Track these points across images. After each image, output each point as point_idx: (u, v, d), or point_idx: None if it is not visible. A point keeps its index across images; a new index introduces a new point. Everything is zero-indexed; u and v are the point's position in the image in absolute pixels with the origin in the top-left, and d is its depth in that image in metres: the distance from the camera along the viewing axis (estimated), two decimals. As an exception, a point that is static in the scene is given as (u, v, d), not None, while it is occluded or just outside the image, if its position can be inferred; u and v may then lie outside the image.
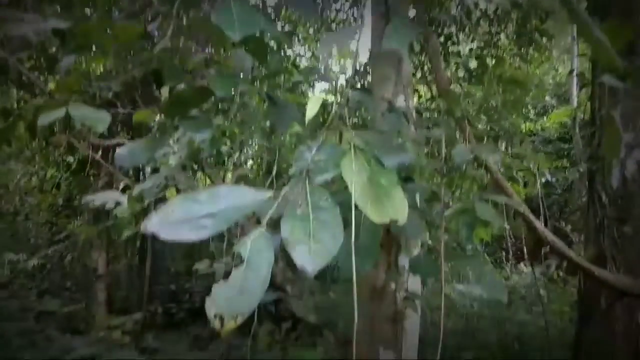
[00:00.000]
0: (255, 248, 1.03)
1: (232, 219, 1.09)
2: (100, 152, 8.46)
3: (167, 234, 1.04)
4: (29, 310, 6.49)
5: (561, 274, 8.61)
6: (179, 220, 1.05)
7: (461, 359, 5.34)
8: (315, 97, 1.30)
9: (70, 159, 9.83)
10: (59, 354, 3.80)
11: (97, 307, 8.42)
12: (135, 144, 1.45)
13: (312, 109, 1.28)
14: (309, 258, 0.99)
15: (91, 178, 9.35)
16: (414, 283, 3.33)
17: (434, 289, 8.19)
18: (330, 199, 1.12)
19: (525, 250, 13.43)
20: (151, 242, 10.14)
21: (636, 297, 2.40)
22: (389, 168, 1.18)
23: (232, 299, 0.95)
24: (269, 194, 1.13)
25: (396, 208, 1.14)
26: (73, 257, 9.21)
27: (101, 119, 1.37)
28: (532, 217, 2.04)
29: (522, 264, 10.04)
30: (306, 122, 1.24)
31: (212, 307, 0.94)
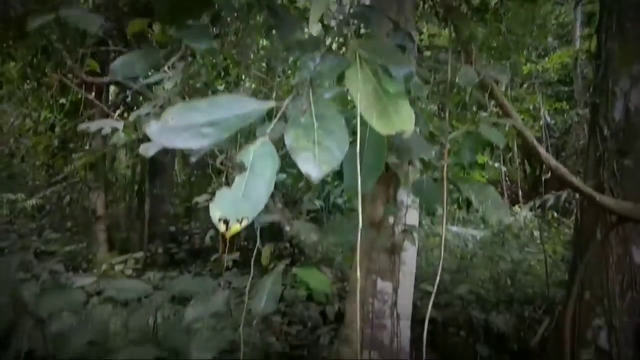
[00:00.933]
0: (259, 154, 1.01)
1: (233, 128, 1.06)
2: (93, 94, 8.31)
3: (167, 141, 1.01)
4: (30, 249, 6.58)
5: (556, 215, 8.73)
6: (179, 127, 1.02)
7: (455, 292, 5.49)
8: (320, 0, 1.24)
9: (63, 100, 9.68)
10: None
11: (97, 247, 8.55)
12: (130, 55, 1.40)
13: (316, 13, 1.22)
14: (314, 164, 0.97)
15: (86, 120, 9.23)
16: (412, 217, 3.36)
17: (430, 232, 8.31)
18: (334, 108, 1.08)
19: (520, 193, 13.57)
20: (149, 185, 10.18)
21: (636, 221, 2.43)
22: (396, 78, 1.14)
23: (236, 203, 0.93)
24: (271, 103, 1.10)
25: (403, 119, 1.11)
26: (72, 199, 9.24)
27: (93, 21, 1.31)
28: (535, 142, 2.02)
29: (517, 207, 10.16)
30: (310, 26, 1.19)
31: (216, 211, 0.93)
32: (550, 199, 6.86)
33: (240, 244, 7.32)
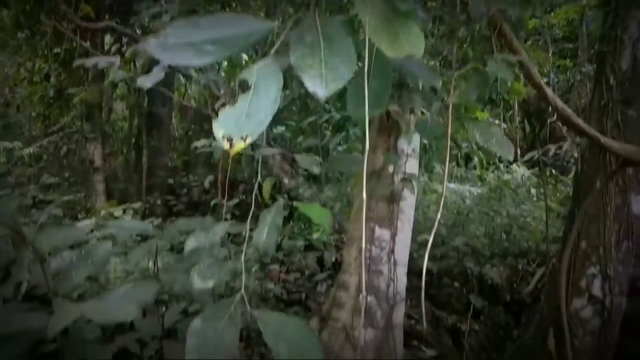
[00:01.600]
0: (263, 74, 0.97)
1: (236, 47, 1.02)
2: (88, 42, 8.10)
3: (168, 58, 0.98)
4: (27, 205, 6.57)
5: (554, 172, 8.74)
6: (180, 44, 0.98)
7: (451, 244, 5.56)
8: None
9: (58, 49, 9.47)
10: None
11: (95, 197, 8.56)
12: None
13: None
14: (321, 83, 0.94)
15: (81, 70, 9.05)
16: (411, 166, 3.35)
17: (427, 188, 8.33)
18: (342, 28, 1.04)
19: (518, 152, 13.59)
20: (146, 137, 10.10)
21: (639, 165, 2.42)
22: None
23: (240, 121, 0.91)
24: (276, 22, 1.05)
25: (412, 42, 1.07)
26: (69, 149, 9.18)
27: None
28: (542, 82, 1.98)
29: (514, 165, 10.17)
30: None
31: (219, 129, 0.90)
32: (551, 149, 6.83)
33: (239, 197, 7.35)
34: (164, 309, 2.73)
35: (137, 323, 2.55)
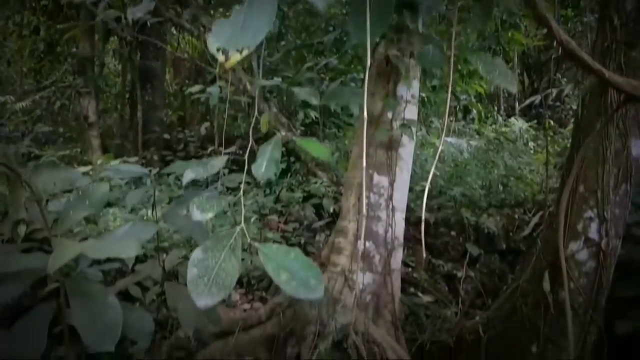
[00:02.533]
0: (259, -15, 0.92)
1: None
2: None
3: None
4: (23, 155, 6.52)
5: (552, 123, 8.70)
6: None
7: (449, 194, 5.58)
8: None
9: (46, 1, 9.19)
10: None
11: (91, 153, 8.50)
12: None
13: None
14: (320, -6, 0.89)
15: (71, 21, 8.79)
16: (410, 112, 3.31)
17: (425, 141, 8.29)
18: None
19: (517, 105, 13.45)
20: (141, 91, 9.94)
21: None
22: None
23: (235, 33, 0.86)
24: None
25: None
26: (62, 104, 9.05)
27: None
28: (547, 14, 1.91)
29: (512, 118, 10.12)
30: None
31: (214, 42, 0.86)
32: (553, 92, 6.76)
33: (236, 152, 7.30)
34: (164, 255, 2.75)
35: (138, 268, 2.57)
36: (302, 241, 4.37)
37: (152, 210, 2.21)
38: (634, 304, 4.20)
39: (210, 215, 1.30)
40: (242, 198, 1.34)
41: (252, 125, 1.53)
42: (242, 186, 1.30)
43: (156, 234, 2.24)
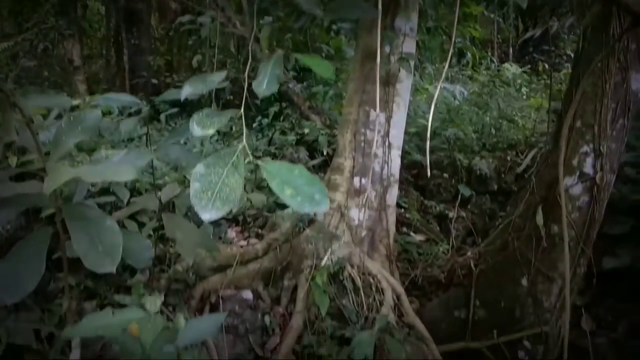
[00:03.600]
0: None
1: None
2: None
3: None
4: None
5: (547, 66, 8.60)
6: None
7: (442, 135, 5.57)
8: None
9: None
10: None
11: (78, 98, 8.31)
12: None
13: None
14: None
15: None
16: (409, 45, 3.23)
17: (419, 86, 8.18)
18: None
19: (510, 51, 13.25)
20: (126, 34, 9.61)
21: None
22: None
23: None
24: None
25: None
26: (46, 47, 8.72)
27: None
28: None
29: (506, 64, 9.99)
30: None
31: None
32: (554, 26, 6.65)
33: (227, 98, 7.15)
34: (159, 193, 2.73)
35: (134, 200, 2.55)
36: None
37: (146, 140, 2.16)
38: (621, 241, 4.31)
39: (211, 131, 1.26)
40: (242, 113, 1.30)
41: (250, 51, 1.46)
42: (243, 104, 1.25)
43: (151, 165, 2.20)
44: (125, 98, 2.12)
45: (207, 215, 1.16)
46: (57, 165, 1.60)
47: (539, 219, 3.07)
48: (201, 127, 1.28)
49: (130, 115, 4.70)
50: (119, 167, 1.65)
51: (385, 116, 3.16)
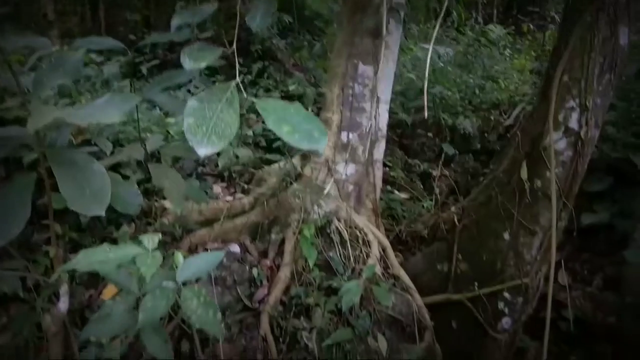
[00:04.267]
0: None
1: None
2: None
3: None
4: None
5: (532, 26, 8.57)
6: None
7: (429, 91, 5.55)
8: None
9: None
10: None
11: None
12: None
13: None
14: None
15: None
16: (398, -4, 3.15)
17: (404, 46, 8.08)
18: None
19: (495, 13, 13.14)
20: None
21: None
22: None
23: None
24: None
25: None
26: (19, 1, 8.29)
27: None
28: None
29: (491, 25, 9.92)
30: None
31: None
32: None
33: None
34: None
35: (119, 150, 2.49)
36: (282, 144, 4.30)
37: (131, 86, 2.09)
38: (599, 198, 4.42)
39: (202, 64, 1.21)
40: (234, 48, 1.25)
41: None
42: (235, 35, 1.21)
43: (136, 110, 2.14)
44: (108, 41, 2.03)
45: (203, 150, 1.13)
46: (40, 106, 1.54)
47: (524, 173, 3.11)
48: (193, 60, 1.23)
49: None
50: (104, 109, 1.59)
51: (374, 70, 3.11)
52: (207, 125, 1.17)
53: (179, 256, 1.38)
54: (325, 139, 1.19)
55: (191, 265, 1.27)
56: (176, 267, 1.28)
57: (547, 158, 3.03)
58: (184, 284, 1.23)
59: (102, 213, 1.45)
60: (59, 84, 1.83)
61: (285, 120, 1.21)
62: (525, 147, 3.23)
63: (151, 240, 1.34)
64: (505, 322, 3.39)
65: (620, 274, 4.05)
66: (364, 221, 3.11)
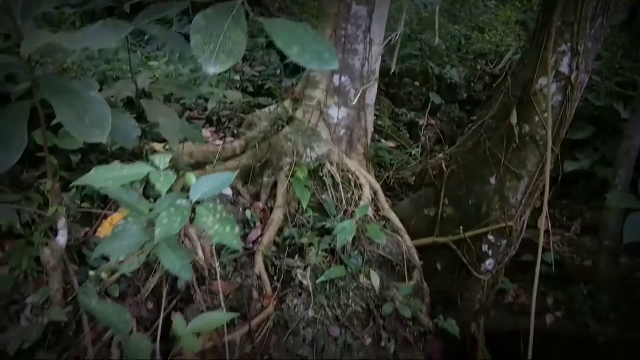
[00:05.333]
0: None
1: None
2: None
3: None
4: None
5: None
6: None
7: (418, 38, 5.48)
8: None
9: None
10: None
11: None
12: None
13: None
14: None
15: None
16: None
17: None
18: None
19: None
20: None
21: None
22: None
23: None
24: None
25: None
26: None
27: None
28: None
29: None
30: None
31: None
32: None
33: None
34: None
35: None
36: (269, 85, 4.24)
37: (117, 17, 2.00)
38: (581, 146, 4.53)
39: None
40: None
41: None
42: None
43: (127, 41, 2.07)
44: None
45: (211, 69, 1.11)
46: (34, 30, 1.47)
47: (513, 118, 3.14)
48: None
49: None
50: (98, 35, 1.53)
51: (367, 9, 3.04)
52: (215, 43, 1.14)
53: (191, 176, 1.38)
54: (336, 60, 1.17)
55: (204, 185, 1.27)
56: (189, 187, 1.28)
57: (537, 103, 3.06)
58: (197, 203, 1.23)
59: (104, 140, 1.42)
60: (43, 11, 1.74)
61: (294, 40, 1.19)
62: (516, 92, 3.25)
63: (162, 159, 1.33)
64: (489, 263, 3.52)
65: (597, 220, 4.20)
66: (355, 165, 3.13)
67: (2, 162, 1.45)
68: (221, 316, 1.45)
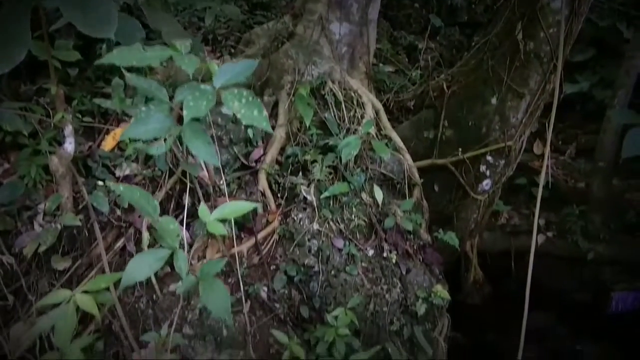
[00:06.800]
0: None
1: None
2: None
3: None
4: None
5: None
6: None
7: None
8: None
9: None
10: None
11: None
12: None
13: None
14: None
15: None
16: None
17: None
18: None
19: None
20: None
21: None
22: None
23: None
24: None
25: None
26: None
27: None
28: None
29: None
30: None
31: None
32: None
33: None
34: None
35: None
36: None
37: None
38: (581, 69, 4.49)
39: None
40: None
41: None
42: None
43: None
44: None
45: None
46: None
47: (519, 34, 3.08)
48: None
49: None
50: None
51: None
52: None
53: (213, 64, 1.35)
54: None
55: (226, 72, 1.25)
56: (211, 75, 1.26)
57: (544, 17, 3.00)
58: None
59: (112, 35, 1.38)
60: None
61: None
62: (521, 8, 3.17)
63: (184, 44, 1.29)
64: (486, 183, 3.57)
65: (592, 143, 4.25)
66: (357, 84, 3.09)
67: (8, 59, 1.40)
68: (245, 205, 1.48)
